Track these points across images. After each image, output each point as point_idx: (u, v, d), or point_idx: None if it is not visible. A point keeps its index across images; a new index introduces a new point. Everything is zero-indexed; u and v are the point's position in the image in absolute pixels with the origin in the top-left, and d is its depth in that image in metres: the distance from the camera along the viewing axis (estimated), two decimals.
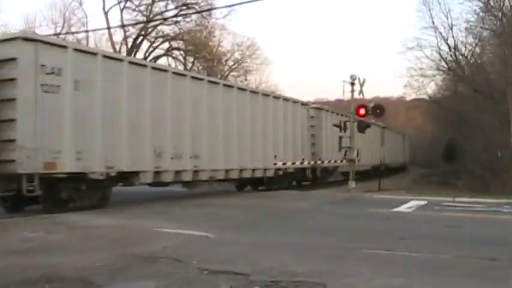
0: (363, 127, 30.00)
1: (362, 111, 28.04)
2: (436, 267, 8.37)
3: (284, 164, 26.58)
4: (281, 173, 26.49)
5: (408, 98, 71.86)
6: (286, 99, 28.31)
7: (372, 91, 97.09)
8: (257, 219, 14.78)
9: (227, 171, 22.23)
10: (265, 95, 27.05)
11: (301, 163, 28.54)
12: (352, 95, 29.35)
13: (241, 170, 23.19)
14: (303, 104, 30.50)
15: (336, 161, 34.04)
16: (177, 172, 19.29)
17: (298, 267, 7.96)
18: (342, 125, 29.37)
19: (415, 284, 7.21)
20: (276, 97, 28.12)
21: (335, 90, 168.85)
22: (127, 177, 17.60)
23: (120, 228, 11.96)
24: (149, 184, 19.14)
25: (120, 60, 17.94)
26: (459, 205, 20.19)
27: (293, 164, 27.62)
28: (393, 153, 57.89)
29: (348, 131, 29.63)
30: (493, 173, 34.66)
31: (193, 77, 21.59)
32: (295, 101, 29.14)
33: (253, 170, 24.10)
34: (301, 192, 25.88)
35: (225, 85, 23.60)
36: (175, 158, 19.09)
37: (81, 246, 9.61)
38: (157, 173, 18.37)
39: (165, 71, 20.10)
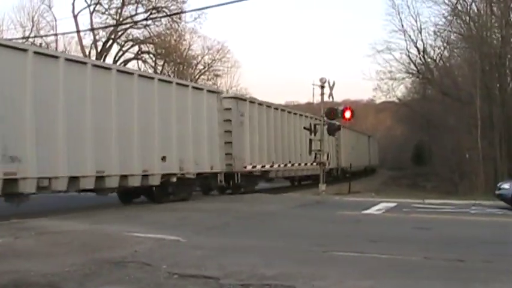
0: (333, 130, 30.16)
1: (332, 114, 28.17)
2: (405, 269, 8.46)
3: (181, 168, 20.81)
4: (175, 180, 20.49)
5: (378, 101, 72.42)
6: (182, 85, 22.51)
7: (342, 94, 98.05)
8: (228, 223, 14.76)
9: (74, 178, 16.05)
10: (147, 77, 20.75)
11: (212, 167, 22.69)
12: (322, 98, 29.46)
13: (100, 177, 16.96)
14: (212, 91, 24.39)
15: (268, 165, 29.00)
16: None
17: (268, 270, 7.98)
18: (312, 128, 29.35)
19: (384, 286, 7.29)
20: (166, 81, 21.79)
21: (305, 93, 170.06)
22: None
23: (90, 233, 11.85)
24: None
25: None
26: (428, 207, 20.45)
27: (198, 168, 21.89)
28: (355, 155, 51.94)
29: (318, 133, 29.55)
30: (461, 175, 35.07)
31: (2, 45, 15.09)
32: (197, 88, 23.47)
33: (124, 176, 17.93)
34: (272, 195, 25.88)
35: (69, 60, 16.93)
36: None
37: (50, 252, 9.51)
38: None
39: None
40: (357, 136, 58.16)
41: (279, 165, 30.27)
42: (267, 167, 28.88)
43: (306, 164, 33.04)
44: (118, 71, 19.03)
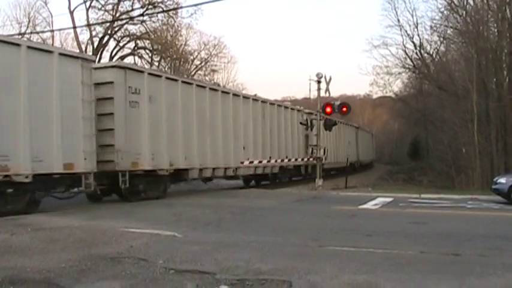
0: (329, 125, 30.17)
1: (328, 109, 28.15)
2: (401, 263, 8.46)
3: (4, 167, 14.14)
4: None
5: (374, 96, 72.74)
6: (6, 42, 14.97)
7: (339, 89, 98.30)
8: (224, 218, 14.74)
9: None
10: None
11: (69, 165, 15.88)
12: (319, 93, 29.47)
13: None
14: (71, 56, 17.00)
15: (185, 164, 21.56)
16: None
17: (264, 265, 7.99)
18: (309, 123, 29.32)
19: (380, 280, 7.28)
20: None
21: (302, 89, 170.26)
22: None
23: (86, 229, 11.84)
24: None
25: None
26: (425, 201, 20.50)
27: (41, 166, 15.09)
28: (337, 150, 43.82)
29: (315, 128, 29.52)
30: (458, 170, 35.06)
31: None
32: (39, 49, 15.89)
33: None
34: (268, 191, 25.87)
35: None
36: None
37: (46, 248, 9.50)
38: None
39: None
40: (339, 128, 44.67)
41: (200, 164, 22.66)
42: (182, 164, 21.51)
43: (253, 162, 27.15)
44: None
